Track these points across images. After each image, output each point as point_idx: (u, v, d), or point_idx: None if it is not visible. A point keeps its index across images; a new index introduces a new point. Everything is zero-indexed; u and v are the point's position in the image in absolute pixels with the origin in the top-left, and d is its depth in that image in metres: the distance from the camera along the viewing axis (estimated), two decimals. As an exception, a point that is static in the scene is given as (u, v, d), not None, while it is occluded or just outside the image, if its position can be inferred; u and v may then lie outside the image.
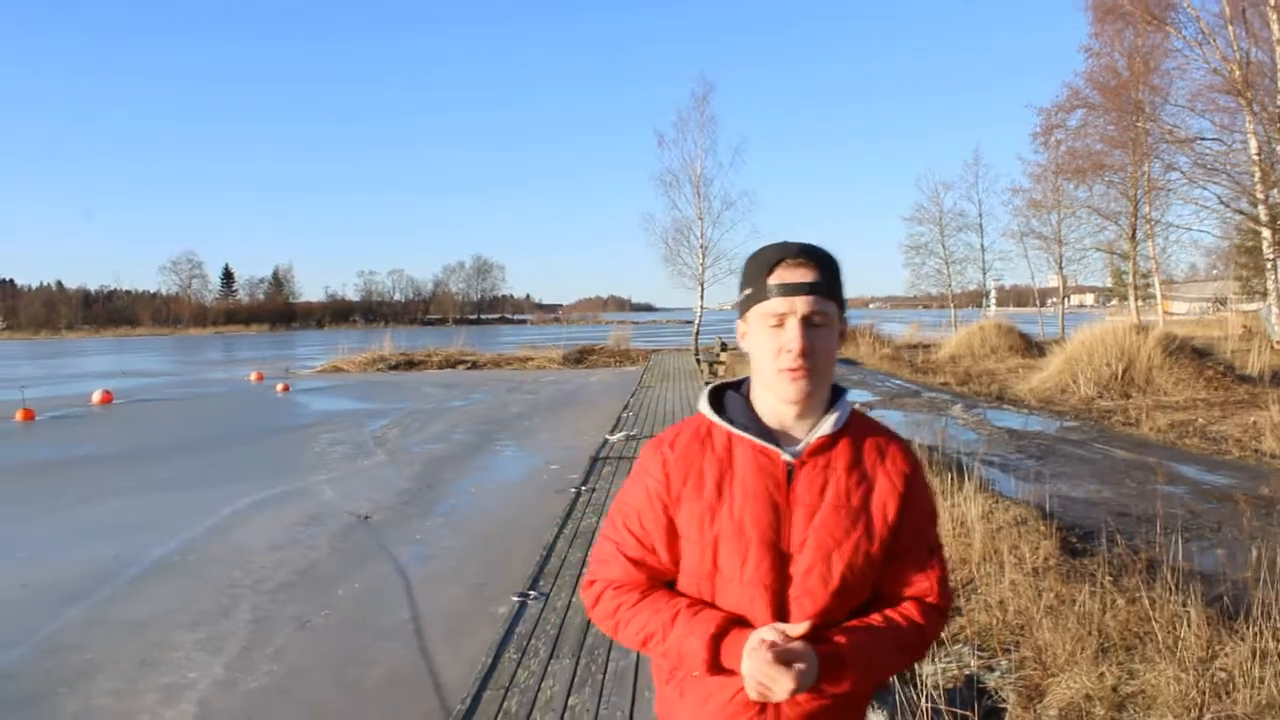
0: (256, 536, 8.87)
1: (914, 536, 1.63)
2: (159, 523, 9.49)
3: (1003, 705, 3.60)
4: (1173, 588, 4.00)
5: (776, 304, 1.55)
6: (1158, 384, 15.27)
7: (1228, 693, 3.11)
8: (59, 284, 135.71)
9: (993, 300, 58.65)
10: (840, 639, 1.51)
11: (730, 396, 1.69)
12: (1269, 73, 18.59)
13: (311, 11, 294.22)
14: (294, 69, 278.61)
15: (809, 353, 1.54)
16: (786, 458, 1.58)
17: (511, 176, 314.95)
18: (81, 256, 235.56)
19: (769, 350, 1.56)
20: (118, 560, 8.05)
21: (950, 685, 3.74)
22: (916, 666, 3.87)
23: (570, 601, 5.62)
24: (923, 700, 3.42)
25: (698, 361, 29.51)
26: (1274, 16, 18.09)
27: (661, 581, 1.67)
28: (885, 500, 1.60)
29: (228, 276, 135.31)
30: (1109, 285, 41.94)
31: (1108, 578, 4.40)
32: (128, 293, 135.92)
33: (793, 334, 1.53)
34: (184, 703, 5.14)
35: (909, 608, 1.61)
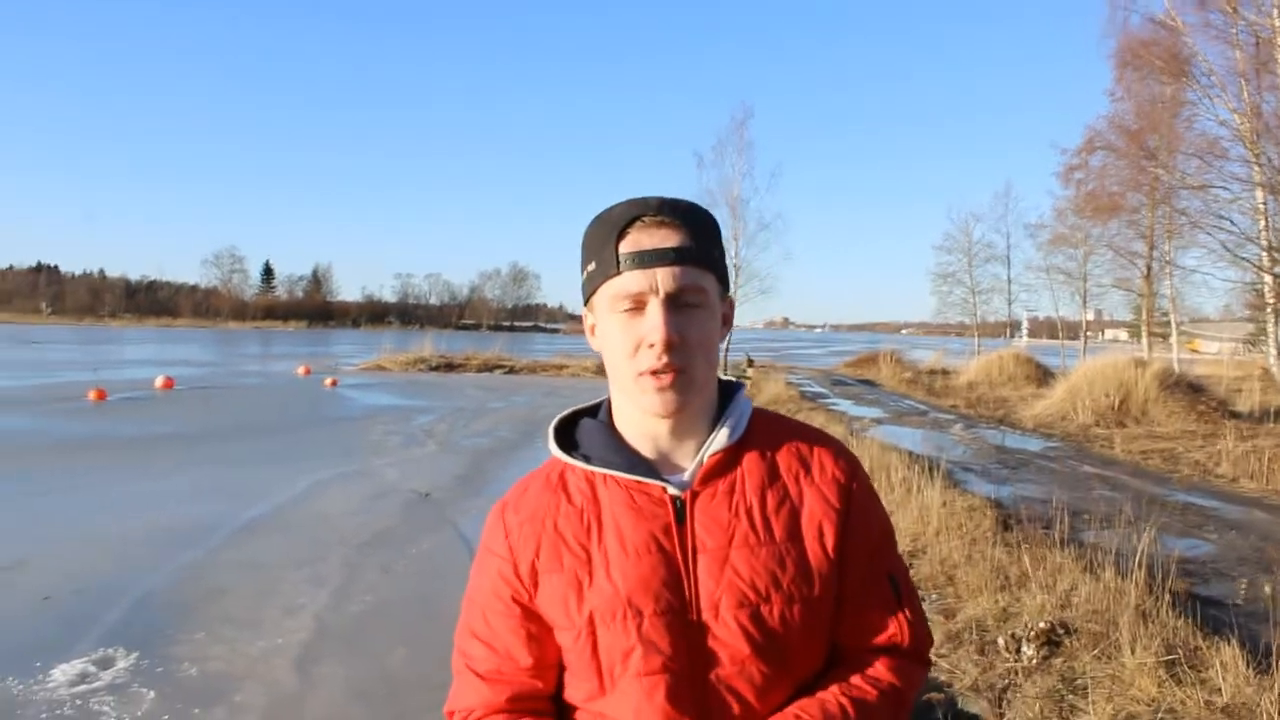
0: (334, 505, 10.29)
1: (867, 565, 1.23)
2: (245, 491, 10.91)
3: (928, 624, 4.94)
4: (1062, 549, 5.38)
5: (631, 280, 1.15)
6: (1152, 415, 16.37)
7: (1072, 606, 4.45)
8: (101, 272, 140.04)
9: (1024, 331, 59.34)
10: None
11: (585, 425, 1.30)
12: (1277, 124, 19.66)
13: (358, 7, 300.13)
14: (343, 81, 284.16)
15: (678, 346, 1.14)
16: (673, 490, 1.19)
17: (549, 186, 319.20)
18: (124, 246, 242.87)
19: (624, 347, 1.17)
20: (218, 518, 9.43)
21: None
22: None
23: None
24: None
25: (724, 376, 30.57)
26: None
27: (538, 699, 1.24)
28: (820, 523, 1.20)
29: (268, 273, 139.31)
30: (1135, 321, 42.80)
31: (1022, 544, 5.74)
32: (169, 284, 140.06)
33: (655, 321, 1.14)
34: (302, 617, 6.52)
35: (879, 667, 1.21)
